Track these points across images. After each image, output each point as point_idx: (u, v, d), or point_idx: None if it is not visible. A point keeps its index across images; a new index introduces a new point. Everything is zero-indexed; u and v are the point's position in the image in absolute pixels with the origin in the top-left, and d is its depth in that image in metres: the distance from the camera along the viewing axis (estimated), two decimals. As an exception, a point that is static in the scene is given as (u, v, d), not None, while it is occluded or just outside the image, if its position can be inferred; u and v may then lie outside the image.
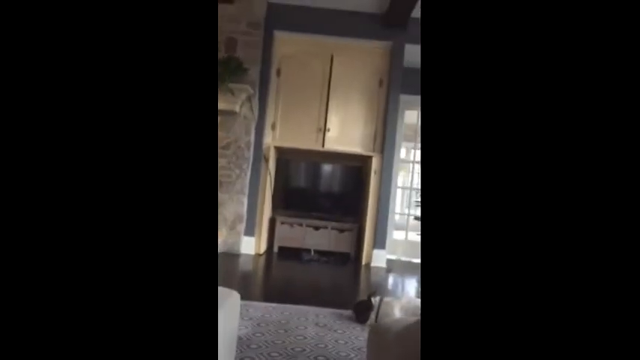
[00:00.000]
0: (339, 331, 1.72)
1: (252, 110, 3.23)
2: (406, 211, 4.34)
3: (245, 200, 3.28)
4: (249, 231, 3.31)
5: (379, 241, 3.34)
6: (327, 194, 3.62)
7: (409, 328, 0.77)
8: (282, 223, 3.45)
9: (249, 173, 3.28)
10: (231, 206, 3.25)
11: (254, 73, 3.21)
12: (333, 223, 3.45)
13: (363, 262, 3.33)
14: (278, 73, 3.42)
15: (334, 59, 3.42)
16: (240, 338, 1.52)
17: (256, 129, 3.29)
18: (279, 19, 3.31)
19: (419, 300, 1.93)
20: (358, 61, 3.43)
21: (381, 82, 3.43)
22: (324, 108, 3.42)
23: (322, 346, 1.56)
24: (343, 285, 2.79)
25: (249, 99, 3.19)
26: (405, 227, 4.18)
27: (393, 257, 3.76)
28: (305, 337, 1.63)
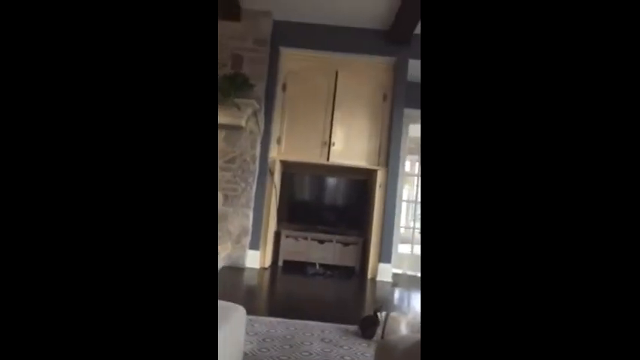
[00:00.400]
0: (344, 347, 1.71)
1: (257, 125, 3.27)
2: (411, 224, 4.33)
3: (250, 214, 3.29)
4: (254, 245, 3.31)
5: (384, 255, 3.33)
6: (332, 208, 3.63)
7: (417, 346, 0.77)
8: (287, 236, 3.45)
9: (254, 187, 3.30)
10: (236, 220, 3.26)
11: (260, 88, 3.26)
12: (338, 237, 3.45)
13: (369, 276, 3.30)
14: (284, 88, 3.48)
15: (339, 74, 3.47)
16: (245, 354, 1.51)
17: (262, 143, 3.33)
18: (285, 35, 3.38)
19: (425, 315, 1.91)
20: (363, 76, 3.48)
21: (385, 97, 3.47)
22: (329, 122, 3.45)
23: (328, 362, 1.55)
24: (348, 299, 2.77)
25: (255, 114, 3.23)
26: (410, 241, 4.16)
27: (399, 271, 3.73)
28: (310, 353, 1.61)
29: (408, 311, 2.45)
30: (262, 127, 3.31)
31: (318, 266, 3.34)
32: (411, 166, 4.56)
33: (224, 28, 3.21)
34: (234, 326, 1.11)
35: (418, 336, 0.85)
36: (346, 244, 3.45)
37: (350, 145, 3.45)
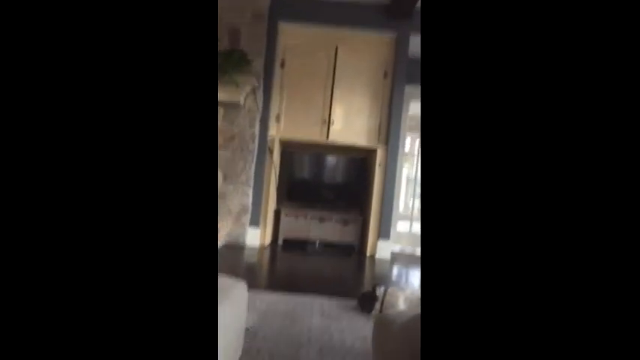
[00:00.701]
0: (344, 322, 1.75)
1: (256, 102, 3.23)
2: (410, 202, 4.35)
3: (250, 192, 3.29)
4: (254, 223, 3.33)
5: (383, 233, 3.36)
6: (332, 186, 3.63)
7: (414, 320, 0.79)
8: (287, 214, 3.47)
9: (253, 165, 3.29)
10: (235, 198, 3.27)
11: (258, 64, 3.20)
12: (338, 215, 3.47)
13: (368, 254, 3.35)
14: (282, 64, 3.41)
15: (339, 50, 3.39)
16: (246, 329, 1.54)
17: (261, 121, 3.30)
18: (284, 9, 3.29)
19: (423, 291, 1.94)
20: (363, 52, 3.41)
21: (385, 74, 3.41)
22: (328, 100, 3.40)
23: (327, 336, 1.58)
24: (348, 276, 2.81)
25: (253, 91, 3.18)
26: (409, 218, 4.19)
27: (398, 248, 3.78)
28: (310, 328, 1.65)
29: (406, 287, 2.50)
30: (261, 104, 3.27)
31: (317, 244, 3.37)
32: (411, 144, 4.54)
33: (220, 0, 3.12)
34: (235, 301, 1.12)
35: (416, 311, 0.87)
36: (346, 223, 3.47)
37: (350, 123, 3.42)
